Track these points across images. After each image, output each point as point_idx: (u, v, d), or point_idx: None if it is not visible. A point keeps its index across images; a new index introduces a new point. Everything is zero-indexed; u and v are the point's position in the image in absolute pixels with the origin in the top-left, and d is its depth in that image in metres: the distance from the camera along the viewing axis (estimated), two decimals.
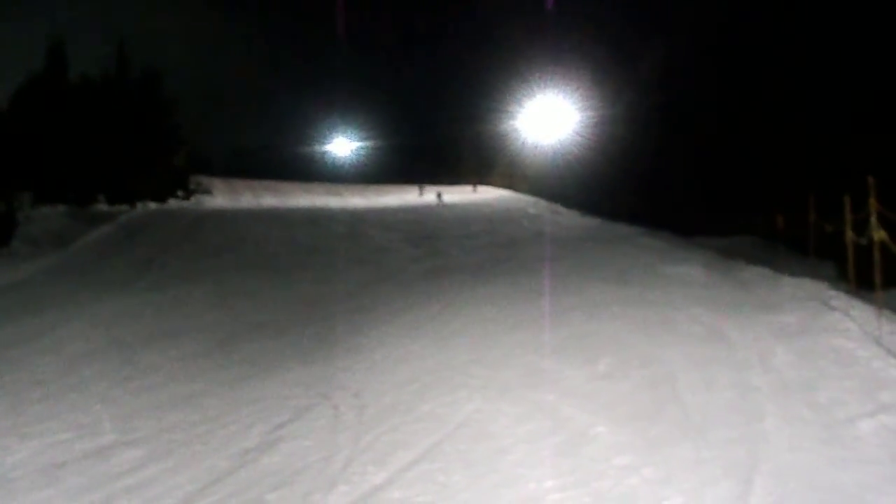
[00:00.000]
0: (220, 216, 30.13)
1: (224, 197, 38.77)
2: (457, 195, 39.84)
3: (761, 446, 5.81)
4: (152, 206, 32.99)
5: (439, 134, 50.15)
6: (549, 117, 37.24)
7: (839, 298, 11.21)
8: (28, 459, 7.06)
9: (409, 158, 50.37)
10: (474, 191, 43.15)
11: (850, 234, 11.95)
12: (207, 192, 39.04)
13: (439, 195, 37.85)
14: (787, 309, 10.93)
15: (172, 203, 34.93)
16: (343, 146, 50.26)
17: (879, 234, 10.20)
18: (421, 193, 41.35)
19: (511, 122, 38.96)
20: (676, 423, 6.49)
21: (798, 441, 5.89)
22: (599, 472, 5.58)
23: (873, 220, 10.36)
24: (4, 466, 6.90)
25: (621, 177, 31.61)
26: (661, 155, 30.03)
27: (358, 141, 49.90)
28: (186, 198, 36.75)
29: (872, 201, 10.40)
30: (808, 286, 12.50)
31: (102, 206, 30.81)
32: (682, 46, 32.51)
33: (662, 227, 24.65)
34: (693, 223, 24.53)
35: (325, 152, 50.31)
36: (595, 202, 31.48)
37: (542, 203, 35.36)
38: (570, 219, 29.62)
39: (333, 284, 16.70)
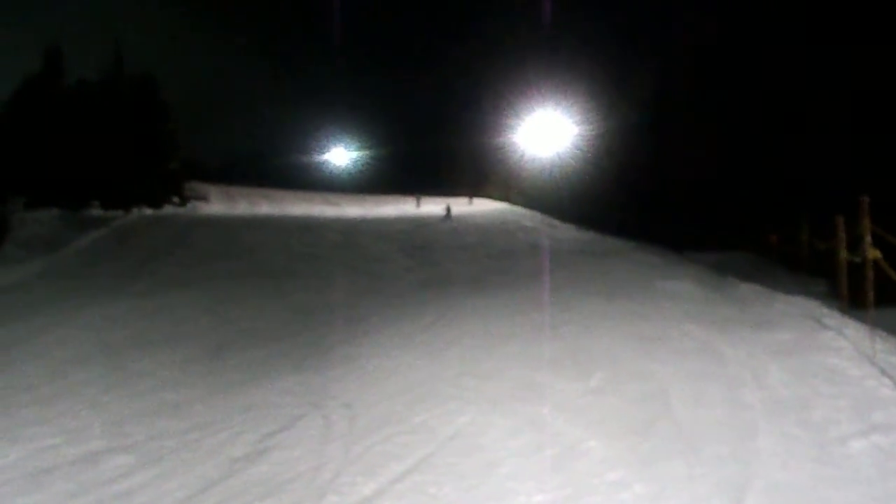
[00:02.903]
0: (215, 223, 30.07)
1: (220, 204, 38.71)
2: (455, 207, 39.86)
3: (754, 464, 5.80)
4: (147, 211, 32.88)
5: (437, 145, 50.26)
6: (546, 131, 37.36)
7: (832, 316, 11.23)
8: (16, 464, 6.99)
9: (406, 169, 50.46)
10: (470, 203, 43.19)
11: (843, 254, 11.99)
12: (203, 198, 38.95)
13: (448, 210, 34.93)
14: (780, 326, 10.94)
15: (167, 209, 34.78)
16: (340, 156, 50.33)
17: (874, 253, 10.24)
18: (418, 204, 41.36)
19: (508, 135, 39.09)
20: (669, 438, 6.48)
21: (790, 459, 5.88)
22: (591, 487, 5.56)
23: (867, 240, 10.40)
24: None
25: (616, 191, 31.76)
26: (655, 170, 30.18)
27: (355, 151, 50.01)
28: (182, 204, 36.61)
29: (866, 222, 10.45)
30: (802, 304, 12.51)
31: (96, 211, 30.67)
32: (676, 62, 32.76)
33: (656, 241, 24.70)
34: (686, 238, 24.60)
35: (322, 161, 50.37)
36: (590, 216, 31.54)
37: (538, 216, 35.41)
38: (566, 232, 29.65)
39: (327, 293, 16.65)
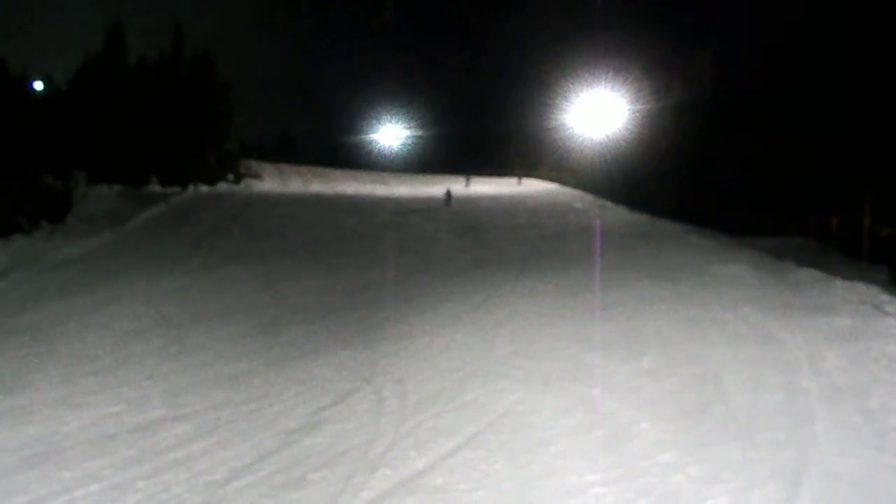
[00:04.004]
0: (269, 200, 30.54)
1: (273, 182, 39.24)
2: (503, 187, 39.70)
3: (810, 450, 5.70)
4: (203, 188, 33.54)
5: (487, 126, 50.09)
6: (599, 111, 36.84)
7: (893, 303, 10.92)
8: (80, 430, 7.25)
9: (455, 149, 50.43)
10: (519, 183, 42.93)
11: None
12: (257, 176, 39.55)
13: (448, 194, 32.78)
14: (838, 312, 10.69)
15: (223, 186, 35.44)
16: (390, 136, 50.52)
17: None
18: (467, 184, 41.29)
19: (559, 116, 38.65)
20: (723, 422, 6.41)
21: (848, 446, 5.76)
22: (643, 468, 5.53)
23: None
24: (58, 436, 7.10)
25: (670, 173, 31.14)
26: (710, 152, 29.48)
27: (405, 131, 50.12)
28: (236, 182, 37.25)
29: None
30: (861, 290, 12.20)
31: (155, 188, 31.41)
32: (734, 40, 31.86)
33: (711, 225, 24.27)
34: (742, 223, 24.09)
35: (373, 141, 50.63)
36: (643, 198, 31.09)
37: (589, 198, 35.09)
38: (617, 214, 29.33)
39: (377, 271, 16.83)
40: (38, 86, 32.62)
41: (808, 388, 7.22)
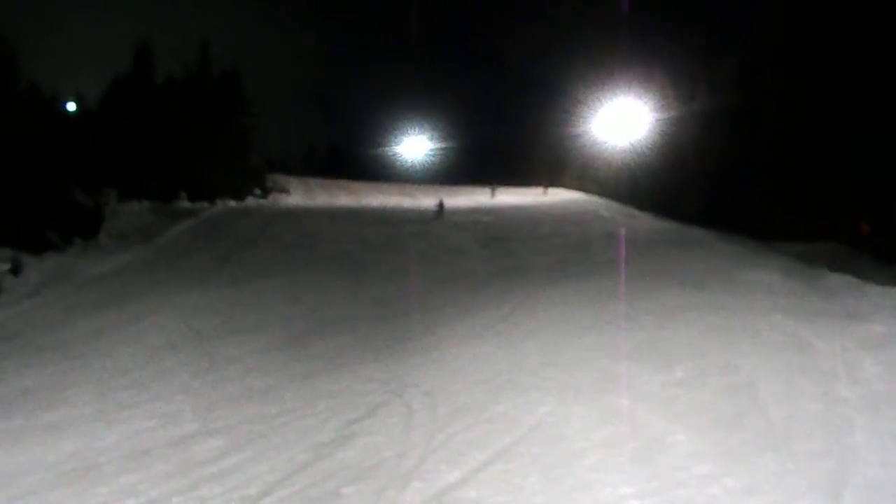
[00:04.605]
0: (296, 214, 30.74)
1: (300, 195, 39.47)
2: (529, 197, 39.61)
3: (850, 460, 5.60)
4: (231, 203, 33.85)
5: (511, 135, 50.03)
6: (623, 119, 36.62)
7: None
8: (115, 445, 7.35)
9: (480, 160, 50.38)
10: (545, 193, 42.76)
11: None
12: (284, 190, 39.81)
13: (440, 205, 31.44)
14: (873, 319, 10.52)
15: (250, 201, 35.75)
16: (415, 147, 50.62)
17: None
18: (492, 195, 41.22)
19: (584, 124, 38.47)
20: (759, 433, 6.31)
21: (890, 456, 5.65)
22: (679, 480, 5.46)
23: None
24: (93, 451, 7.20)
25: (696, 180, 30.83)
26: (737, 157, 29.15)
27: (430, 142, 50.21)
28: (264, 196, 37.54)
29: None
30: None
31: (184, 203, 31.76)
32: (758, 45, 31.51)
33: (739, 231, 23.99)
34: (771, 228, 23.77)
35: (397, 153, 50.80)
36: (669, 205, 30.82)
37: (615, 206, 34.87)
38: (643, 221, 29.11)
39: (404, 283, 16.86)
40: (71, 106, 33.26)
41: (845, 397, 7.09)
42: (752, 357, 8.65)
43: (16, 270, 17.87)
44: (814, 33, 27.46)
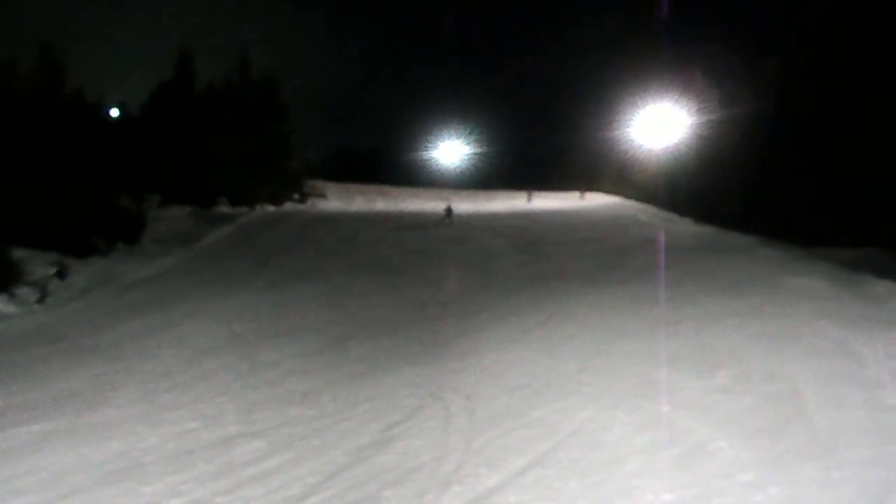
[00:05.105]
0: (334, 219, 30.99)
1: (337, 200, 39.79)
2: (565, 202, 39.45)
3: None
4: (270, 208, 34.29)
5: (548, 140, 49.84)
6: (661, 123, 36.27)
7: None
8: (159, 446, 7.48)
9: (516, 164, 50.29)
10: (581, 197, 42.55)
11: None
12: (321, 195, 40.17)
13: (449, 210, 30.62)
14: None
15: (288, 206, 36.17)
16: (451, 153, 50.72)
17: None
18: (529, 199, 41.14)
19: (622, 128, 38.19)
20: (803, 441, 6.21)
21: None
22: (721, 487, 5.40)
23: None
24: (138, 451, 7.34)
25: (737, 184, 30.37)
26: (778, 162, 28.67)
27: (467, 147, 50.26)
28: (302, 201, 37.93)
29: None
30: None
31: (224, 208, 32.26)
32: (800, 48, 30.99)
33: (781, 237, 23.58)
34: (814, 234, 23.31)
35: (433, 158, 50.92)
36: (709, 210, 30.38)
37: (653, 210, 34.54)
38: (682, 227, 28.79)
39: (441, 288, 16.88)
40: (114, 112, 34.04)
41: (891, 405, 6.95)
42: (796, 364, 8.51)
43: (62, 274, 18.32)
44: (856, 36, 26.93)
